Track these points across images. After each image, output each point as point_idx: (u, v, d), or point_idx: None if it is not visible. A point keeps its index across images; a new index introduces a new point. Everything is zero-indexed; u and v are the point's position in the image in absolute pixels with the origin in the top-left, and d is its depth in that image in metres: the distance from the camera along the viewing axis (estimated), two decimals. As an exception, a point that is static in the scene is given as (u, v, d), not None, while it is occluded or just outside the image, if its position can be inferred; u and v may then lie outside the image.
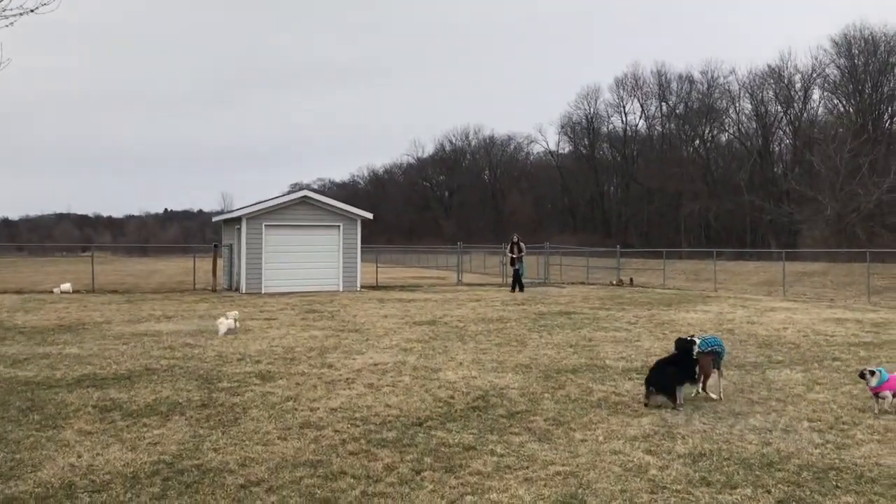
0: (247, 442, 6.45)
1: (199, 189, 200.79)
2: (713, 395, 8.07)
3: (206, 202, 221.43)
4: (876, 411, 7.34)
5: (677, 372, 7.72)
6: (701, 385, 8.12)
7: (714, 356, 8.19)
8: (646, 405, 7.75)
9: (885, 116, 61.98)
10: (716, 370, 8.25)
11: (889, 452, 6.12)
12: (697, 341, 8.01)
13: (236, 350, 11.67)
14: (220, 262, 28.00)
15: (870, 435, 6.65)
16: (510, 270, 27.12)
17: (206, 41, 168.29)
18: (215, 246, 28.96)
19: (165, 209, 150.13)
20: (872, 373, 7.51)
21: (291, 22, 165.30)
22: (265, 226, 25.34)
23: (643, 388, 7.98)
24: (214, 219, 34.43)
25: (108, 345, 12.27)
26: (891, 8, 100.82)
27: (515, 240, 26.90)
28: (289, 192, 28.60)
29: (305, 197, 26.70)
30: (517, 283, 26.00)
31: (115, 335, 13.55)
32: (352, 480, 5.44)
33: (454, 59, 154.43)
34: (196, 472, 5.65)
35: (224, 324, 13.63)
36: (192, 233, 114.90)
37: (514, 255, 26.33)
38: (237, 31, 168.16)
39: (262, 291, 24.80)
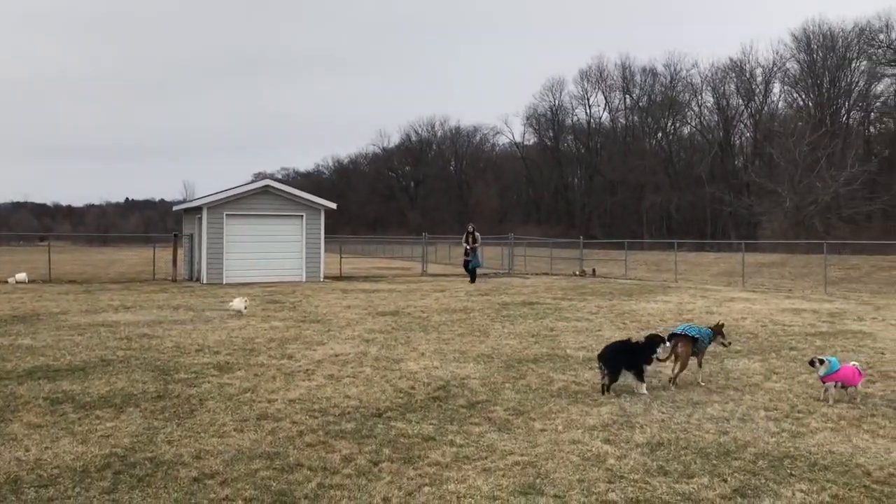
0: (202, 434, 6.34)
1: (161, 178, 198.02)
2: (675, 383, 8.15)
3: (167, 191, 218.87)
4: (830, 402, 7.43)
5: (630, 357, 7.82)
6: (675, 374, 8.24)
7: (692, 342, 8.24)
8: (604, 391, 7.81)
9: (843, 111, 63.22)
10: (695, 357, 8.33)
11: (841, 440, 6.21)
12: (667, 345, 8.08)
13: (195, 341, 11.49)
14: (180, 252, 27.61)
15: (824, 423, 6.74)
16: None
17: (170, 28, 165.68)
18: (175, 236, 28.53)
19: (126, 198, 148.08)
20: (822, 361, 7.60)
21: (255, 10, 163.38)
22: (226, 215, 25.02)
23: (603, 378, 7.99)
24: (175, 208, 33.96)
25: (62, 336, 12.00)
26: (848, 4, 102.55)
27: (471, 230, 26.25)
28: (251, 182, 28.26)
29: (268, 186, 26.43)
30: (470, 273, 25.54)
31: (70, 326, 13.27)
32: (308, 472, 5.37)
33: (420, 49, 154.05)
34: (149, 465, 5.53)
35: (236, 303, 15.30)
36: (154, 222, 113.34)
37: (469, 246, 25.70)
38: (200, 18, 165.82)
39: (224, 282, 24.51)
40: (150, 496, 4.92)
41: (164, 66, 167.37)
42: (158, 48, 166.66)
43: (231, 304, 15.47)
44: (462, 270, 27.95)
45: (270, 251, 25.48)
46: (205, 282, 24.53)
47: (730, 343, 8.78)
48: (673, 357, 8.23)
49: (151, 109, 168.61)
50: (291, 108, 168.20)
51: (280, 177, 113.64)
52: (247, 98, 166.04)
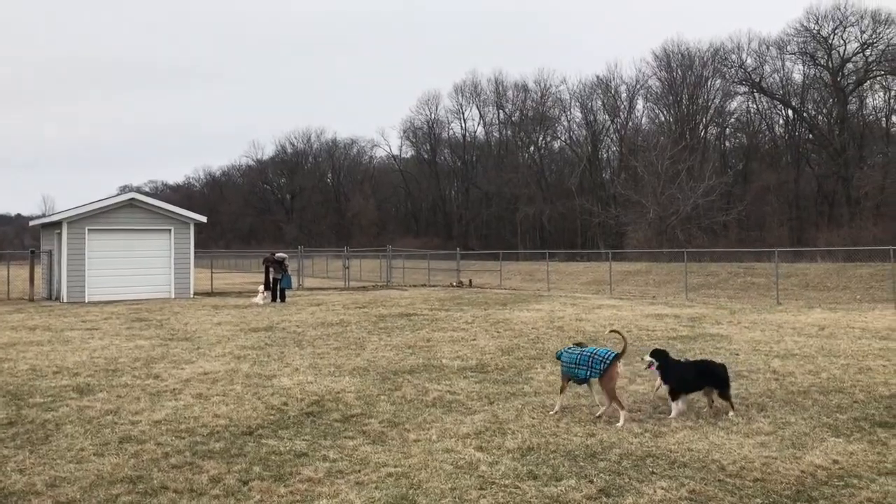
0: (58, 460, 5.98)
1: (18, 192, 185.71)
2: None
3: (24, 206, 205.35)
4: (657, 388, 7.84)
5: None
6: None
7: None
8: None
9: (700, 126, 66.91)
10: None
11: (699, 438, 6.54)
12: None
13: (52, 363, 10.85)
14: (38, 269, 26.07)
15: (683, 422, 7.07)
16: (351, 274, 26.72)
17: (26, 30, 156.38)
18: (32, 252, 26.93)
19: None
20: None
21: (122, 18, 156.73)
22: (88, 230, 23.84)
23: (481, 386, 8.07)
24: (32, 223, 32.05)
25: None
26: (703, 26, 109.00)
27: (276, 258, 24.13)
28: (116, 195, 27.05)
29: (133, 199, 25.38)
30: (281, 293, 23.22)
31: None
32: (173, 495, 5.16)
33: (293, 60, 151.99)
34: (-4, 496, 5.17)
35: (259, 296, 21.87)
36: (9, 239, 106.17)
37: (279, 276, 23.36)
38: (59, 22, 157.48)
39: (86, 300, 23.32)
40: (-3, 530, 4.60)
41: (21, 70, 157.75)
42: (13, 49, 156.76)
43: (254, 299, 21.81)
44: (343, 284, 27.44)
45: (137, 267, 24.44)
46: (65, 300, 23.26)
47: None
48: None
49: (4, 117, 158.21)
50: (160, 118, 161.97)
51: (148, 190, 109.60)
52: (111, 108, 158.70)
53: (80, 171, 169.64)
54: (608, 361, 7.18)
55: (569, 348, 7.70)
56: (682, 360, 7.89)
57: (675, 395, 7.38)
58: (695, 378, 7.45)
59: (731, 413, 7.32)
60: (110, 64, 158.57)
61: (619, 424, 6.97)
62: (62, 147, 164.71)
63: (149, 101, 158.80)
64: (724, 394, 7.42)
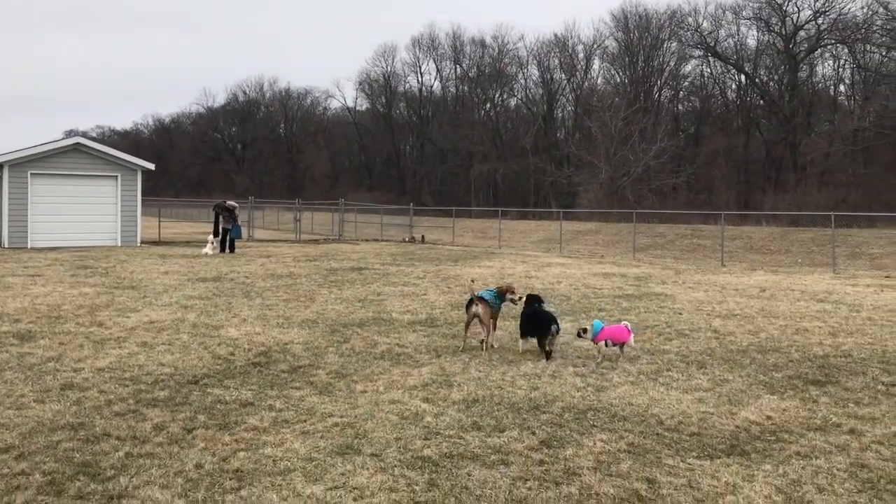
0: (-3, 407, 5.89)
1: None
2: (494, 345, 8.57)
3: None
4: (599, 360, 7.83)
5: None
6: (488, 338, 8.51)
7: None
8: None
9: (655, 89, 67.38)
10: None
11: (640, 393, 6.71)
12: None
13: (-8, 309, 10.61)
14: (-23, 213, 25.29)
15: (625, 378, 7.25)
16: (303, 226, 26.50)
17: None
18: (-29, 195, 26.08)
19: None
20: (585, 330, 8.08)
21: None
22: (31, 174, 23.16)
23: (429, 340, 8.15)
24: (-30, 165, 30.95)
25: None
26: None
27: (227, 206, 23.85)
28: (61, 139, 26.28)
29: (79, 144, 24.68)
30: (230, 243, 23.09)
31: None
32: (116, 442, 5.13)
33: (248, 6, 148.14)
34: (-68, 442, 5.08)
35: (209, 246, 21.62)
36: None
37: (231, 225, 23.24)
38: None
39: (28, 246, 22.76)
40: (-68, 475, 4.52)
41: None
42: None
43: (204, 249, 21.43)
44: (294, 236, 27.23)
45: (82, 214, 23.88)
46: (6, 246, 22.67)
47: (520, 298, 8.66)
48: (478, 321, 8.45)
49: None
50: (108, 63, 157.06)
51: (95, 135, 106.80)
52: (59, 50, 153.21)
53: (24, 113, 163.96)
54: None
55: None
56: (533, 308, 8.42)
57: (521, 334, 8.42)
58: (527, 323, 8.23)
59: (544, 361, 7.91)
60: (59, 5, 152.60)
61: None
62: (3, 88, 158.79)
63: (97, 45, 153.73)
64: (541, 342, 8.09)
